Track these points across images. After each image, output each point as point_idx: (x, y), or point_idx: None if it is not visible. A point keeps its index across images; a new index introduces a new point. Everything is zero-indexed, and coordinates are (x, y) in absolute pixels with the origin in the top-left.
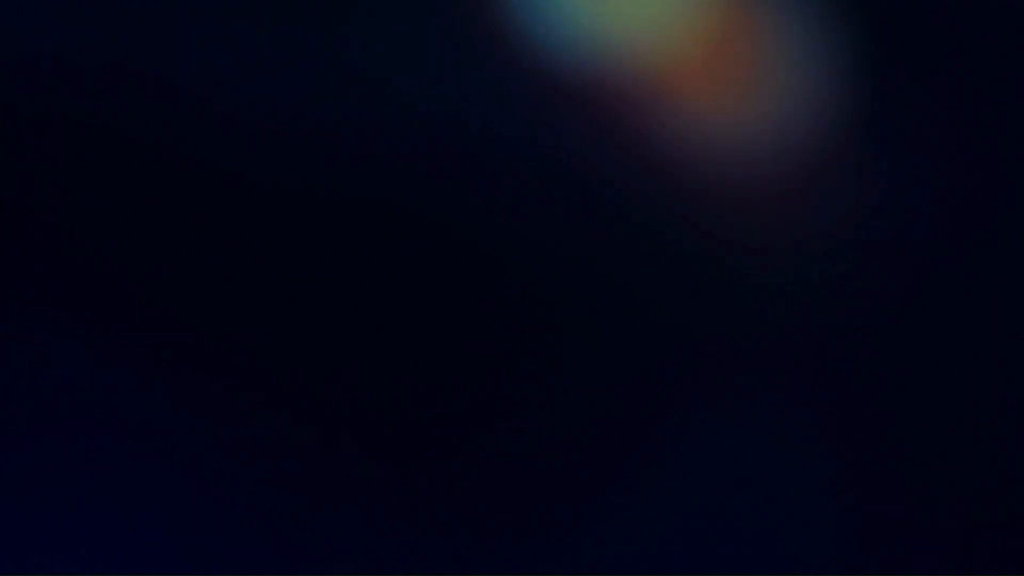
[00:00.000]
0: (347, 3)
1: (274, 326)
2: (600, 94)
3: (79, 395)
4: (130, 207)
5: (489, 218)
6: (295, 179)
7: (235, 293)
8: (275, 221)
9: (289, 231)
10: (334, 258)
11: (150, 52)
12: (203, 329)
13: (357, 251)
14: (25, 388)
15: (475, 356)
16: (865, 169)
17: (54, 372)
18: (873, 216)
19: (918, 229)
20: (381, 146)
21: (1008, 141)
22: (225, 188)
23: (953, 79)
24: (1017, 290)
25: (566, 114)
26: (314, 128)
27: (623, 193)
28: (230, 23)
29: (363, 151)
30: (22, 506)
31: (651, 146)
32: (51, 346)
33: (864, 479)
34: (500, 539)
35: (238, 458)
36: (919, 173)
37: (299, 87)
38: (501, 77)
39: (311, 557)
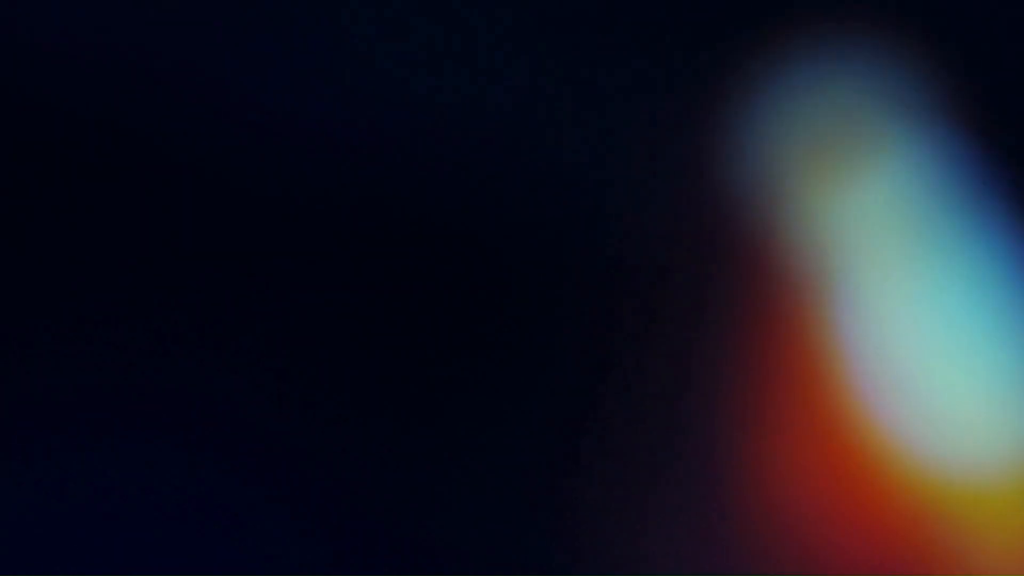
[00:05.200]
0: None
1: (274, 322)
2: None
3: (77, 395)
4: (127, 201)
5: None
6: (318, 175)
7: (233, 289)
8: (278, 216)
9: (295, 227)
10: (339, 256)
11: (146, 42)
12: (202, 325)
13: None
14: (25, 388)
15: (476, 357)
16: None
17: (52, 370)
18: None
19: None
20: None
21: None
22: (224, 182)
23: None
24: None
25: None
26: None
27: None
28: (230, 16)
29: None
30: (23, 506)
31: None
32: (49, 342)
33: None
34: (498, 539)
35: (236, 456)
36: None
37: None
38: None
39: (310, 555)
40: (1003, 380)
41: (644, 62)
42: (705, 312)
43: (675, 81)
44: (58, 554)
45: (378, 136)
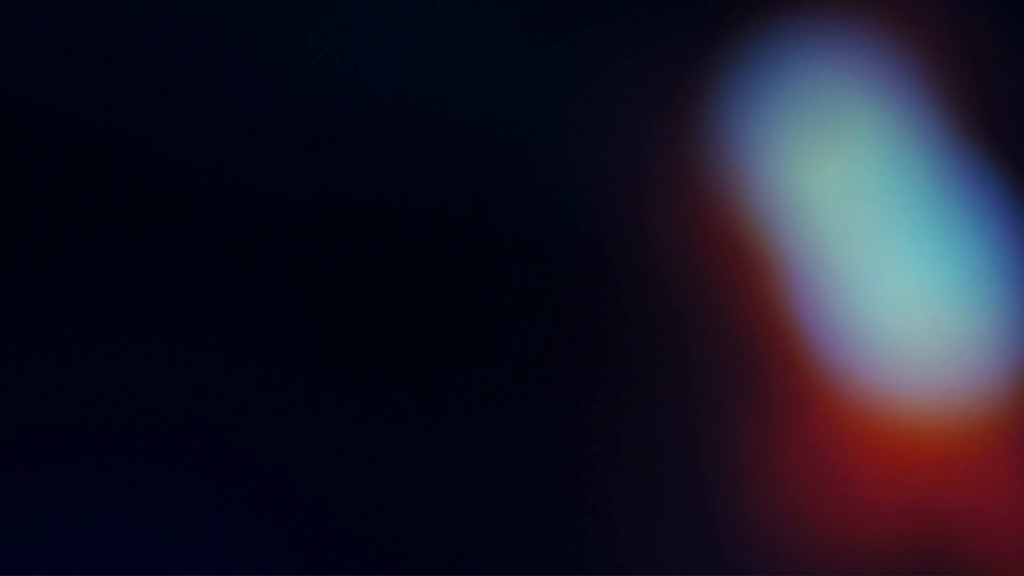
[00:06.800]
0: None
1: (272, 322)
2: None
3: (76, 395)
4: (126, 204)
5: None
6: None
7: (229, 291)
8: (275, 219)
9: (290, 231)
10: (333, 260)
11: (143, 45)
12: (200, 327)
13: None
14: (24, 388)
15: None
16: None
17: (51, 371)
18: None
19: None
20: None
21: None
22: (216, 185)
23: None
24: None
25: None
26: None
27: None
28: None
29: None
30: (23, 507)
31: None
32: (49, 345)
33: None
34: (496, 539)
35: (234, 459)
36: None
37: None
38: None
39: (309, 556)
40: (995, 358)
41: (634, 49)
42: (700, 300)
43: (666, 69)
44: (55, 556)
45: (366, 136)
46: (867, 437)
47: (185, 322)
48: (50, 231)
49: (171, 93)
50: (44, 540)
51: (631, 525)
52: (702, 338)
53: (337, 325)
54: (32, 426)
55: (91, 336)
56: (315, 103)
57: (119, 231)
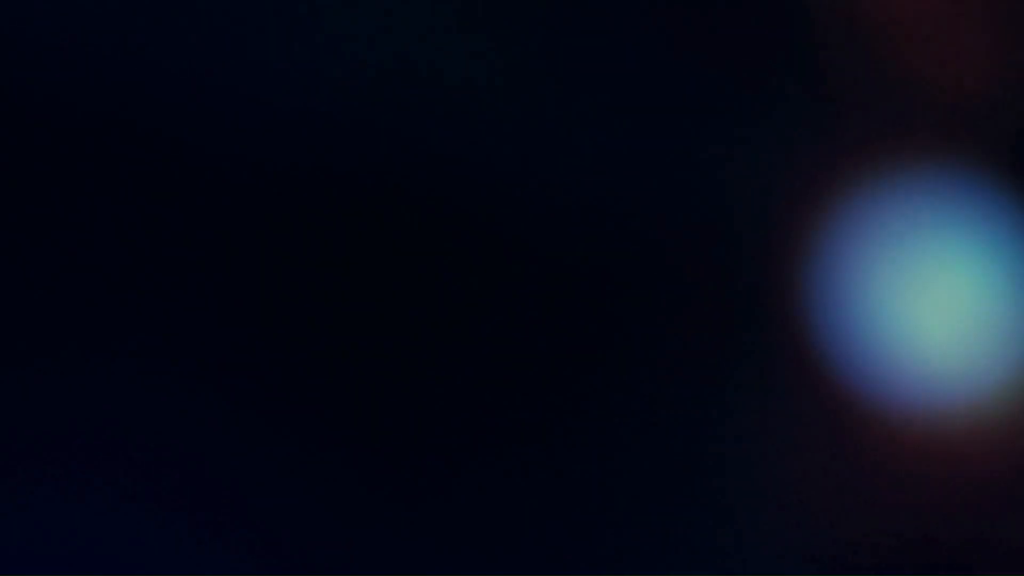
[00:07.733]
0: None
1: (270, 320)
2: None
3: (77, 394)
4: (121, 195)
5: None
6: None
7: (227, 285)
8: (275, 209)
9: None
10: (335, 253)
11: (133, 36)
12: (200, 325)
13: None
14: (23, 389)
15: (476, 353)
16: None
17: (52, 367)
18: None
19: None
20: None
21: None
22: (214, 175)
23: None
24: None
25: None
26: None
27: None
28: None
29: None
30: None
31: None
32: (48, 341)
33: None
34: (499, 540)
35: (238, 455)
36: None
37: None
38: None
39: (308, 557)
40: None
41: (651, 57)
42: (705, 305)
43: (682, 80)
44: (54, 555)
45: (372, 125)
46: (895, 439)
47: (184, 318)
48: (44, 226)
49: (168, 87)
50: (41, 540)
51: (646, 526)
52: (716, 337)
53: (345, 325)
54: (31, 424)
55: (87, 333)
56: (330, 99)
57: (114, 223)
